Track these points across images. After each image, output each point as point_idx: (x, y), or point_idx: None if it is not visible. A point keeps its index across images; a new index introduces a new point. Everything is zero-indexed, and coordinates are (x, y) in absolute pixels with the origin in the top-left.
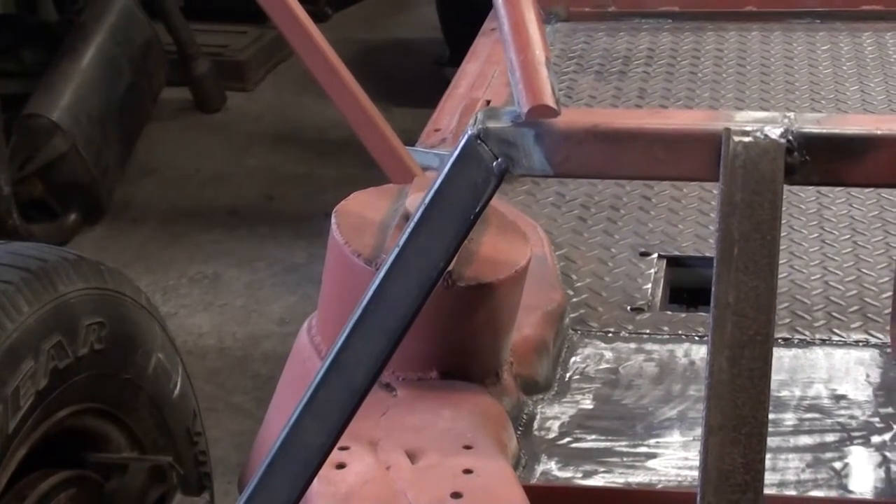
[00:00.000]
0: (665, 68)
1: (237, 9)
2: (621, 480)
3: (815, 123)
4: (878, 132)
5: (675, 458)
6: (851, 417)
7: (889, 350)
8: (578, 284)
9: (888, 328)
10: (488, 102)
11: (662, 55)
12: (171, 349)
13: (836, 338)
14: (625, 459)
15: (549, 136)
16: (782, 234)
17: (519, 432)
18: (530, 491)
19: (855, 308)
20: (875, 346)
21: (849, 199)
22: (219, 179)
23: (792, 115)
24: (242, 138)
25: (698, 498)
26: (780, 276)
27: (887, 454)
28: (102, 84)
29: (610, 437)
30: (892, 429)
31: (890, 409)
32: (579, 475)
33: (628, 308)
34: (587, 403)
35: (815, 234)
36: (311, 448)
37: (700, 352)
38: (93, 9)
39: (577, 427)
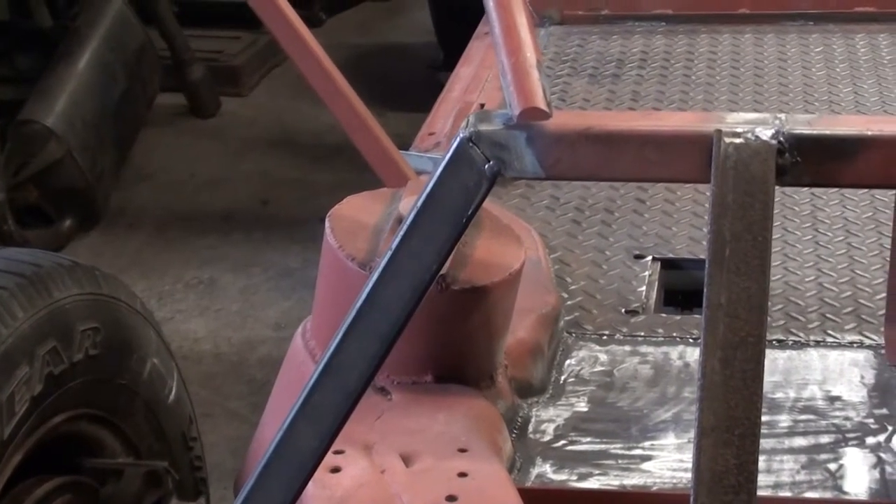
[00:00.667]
0: (659, 71)
1: (231, 14)
2: (616, 483)
3: (806, 125)
4: (869, 133)
5: (670, 460)
6: (846, 419)
7: (883, 351)
8: (573, 287)
9: (882, 329)
10: (482, 106)
11: (656, 58)
12: (167, 354)
13: (830, 339)
14: (620, 462)
15: (541, 138)
16: (776, 236)
17: (514, 435)
18: (525, 494)
19: (849, 309)
20: (869, 347)
21: (842, 200)
22: (214, 184)
23: (783, 116)
24: (237, 143)
25: (692, 499)
26: (774, 277)
27: (882, 455)
28: (97, 90)
29: (605, 440)
30: (886, 430)
31: (884, 411)
32: (574, 478)
33: (623, 311)
34: (582, 406)
35: (809, 236)
36: (305, 452)
37: (695, 354)
38: (87, 14)
39: (572, 430)
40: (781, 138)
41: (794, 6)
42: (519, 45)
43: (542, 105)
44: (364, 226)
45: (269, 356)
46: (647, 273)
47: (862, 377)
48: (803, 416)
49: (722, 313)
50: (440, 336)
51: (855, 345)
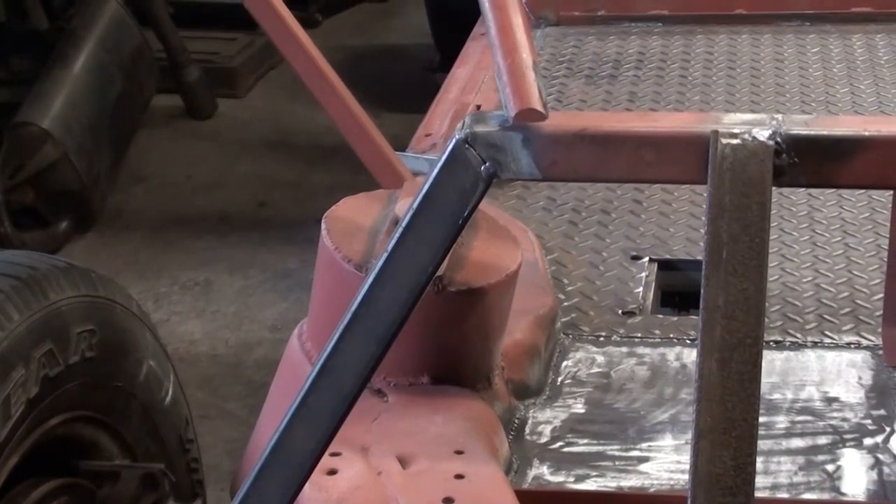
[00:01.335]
0: (655, 72)
1: (227, 16)
2: (613, 484)
3: (804, 125)
4: (867, 133)
5: (667, 461)
6: (843, 420)
7: (881, 352)
8: (570, 288)
9: (880, 330)
10: (479, 107)
11: (652, 59)
12: (163, 356)
13: (827, 340)
14: (617, 463)
15: (537, 139)
16: (773, 237)
17: (510, 437)
18: (522, 495)
19: (846, 310)
20: (867, 348)
21: (839, 200)
22: (210, 186)
23: (780, 116)
24: (234, 145)
25: (689, 501)
26: (771, 278)
27: (879, 456)
28: (93, 92)
29: (602, 441)
30: (884, 431)
31: (882, 412)
32: (571, 479)
33: (620, 312)
34: (579, 407)
35: (806, 237)
36: (301, 454)
37: (691, 355)
38: (83, 16)
39: (569, 431)
40: (779, 139)
41: (791, 6)
42: (515, 46)
43: (539, 106)
44: (360, 227)
45: (266, 358)
46: (643, 274)
47: (859, 378)
48: (801, 418)
49: (719, 315)
50: (437, 338)
51: (852, 346)
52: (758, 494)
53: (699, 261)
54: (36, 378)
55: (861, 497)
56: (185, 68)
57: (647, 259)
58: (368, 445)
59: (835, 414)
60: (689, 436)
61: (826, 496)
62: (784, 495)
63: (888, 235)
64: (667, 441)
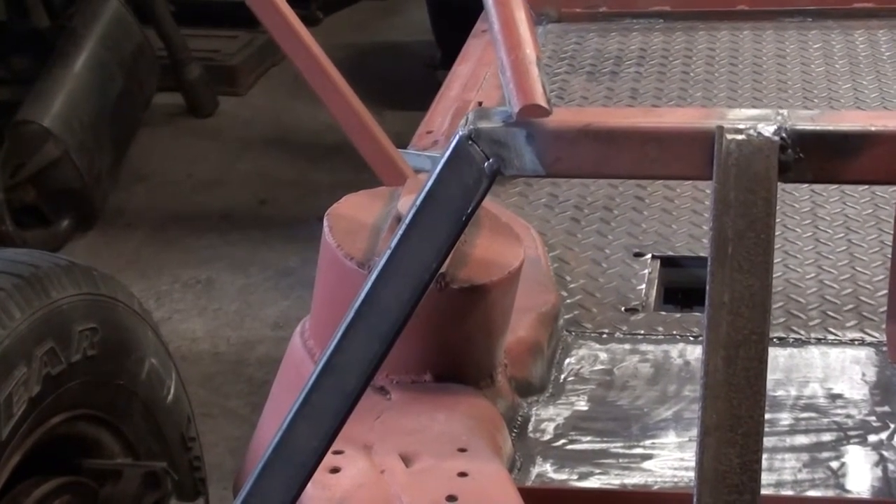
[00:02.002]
0: (657, 68)
1: (228, 13)
2: (617, 482)
3: (809, 120)
4: (873, 128)
5: (671, 458)
6: (848, 416)
7: (885, 349)
8: (572, 285)
9: (883, 327)
10: (480, 104)
11: (654, 55)
12: (165, 354)
13: (831, 337)
14: (620, 461)
15: (541, 135)
16: (776, 234)
17: (514, 434)
18: (526, 493)
19: (850, 306)
20: (871, 344)
21: (843, 197)
22: (211, 184)
23: (785, 112)
24: (235, 143)
25: (695, 499)
26: (774, 275)
27: (884, 453)
28: (94, 90)
29: (605, 439)
30: (888, 428)
31: (886, 408)
32: (575, 477)
33: (622, 309)
34: (582, 405)
35: (810, 233)
36: (304, 452)
37: (695, 352)
38: (84, 15)
39: (573, 429)
40: (784, 134)
41: (793, 2)
42: (518, 41)
43: (542, 102)
44: (363, 225)
45: (268, 356)
46: (646, 271)
47: (863, 375)
48: (805, 415)
49: (725, 311)
50: (439, 335)
51: (856, 342)
52: (762, 492)
53: (702, 257)
54: (38, 376)
55: (865, 494)
56: (185, 66)
57: (649, 256)
58: (371, 443)
59: (839, 411)
60: (692, 433)
61: (830, 493)
62: (788, 492)
63: (892, 232)
64: (670, 438)
